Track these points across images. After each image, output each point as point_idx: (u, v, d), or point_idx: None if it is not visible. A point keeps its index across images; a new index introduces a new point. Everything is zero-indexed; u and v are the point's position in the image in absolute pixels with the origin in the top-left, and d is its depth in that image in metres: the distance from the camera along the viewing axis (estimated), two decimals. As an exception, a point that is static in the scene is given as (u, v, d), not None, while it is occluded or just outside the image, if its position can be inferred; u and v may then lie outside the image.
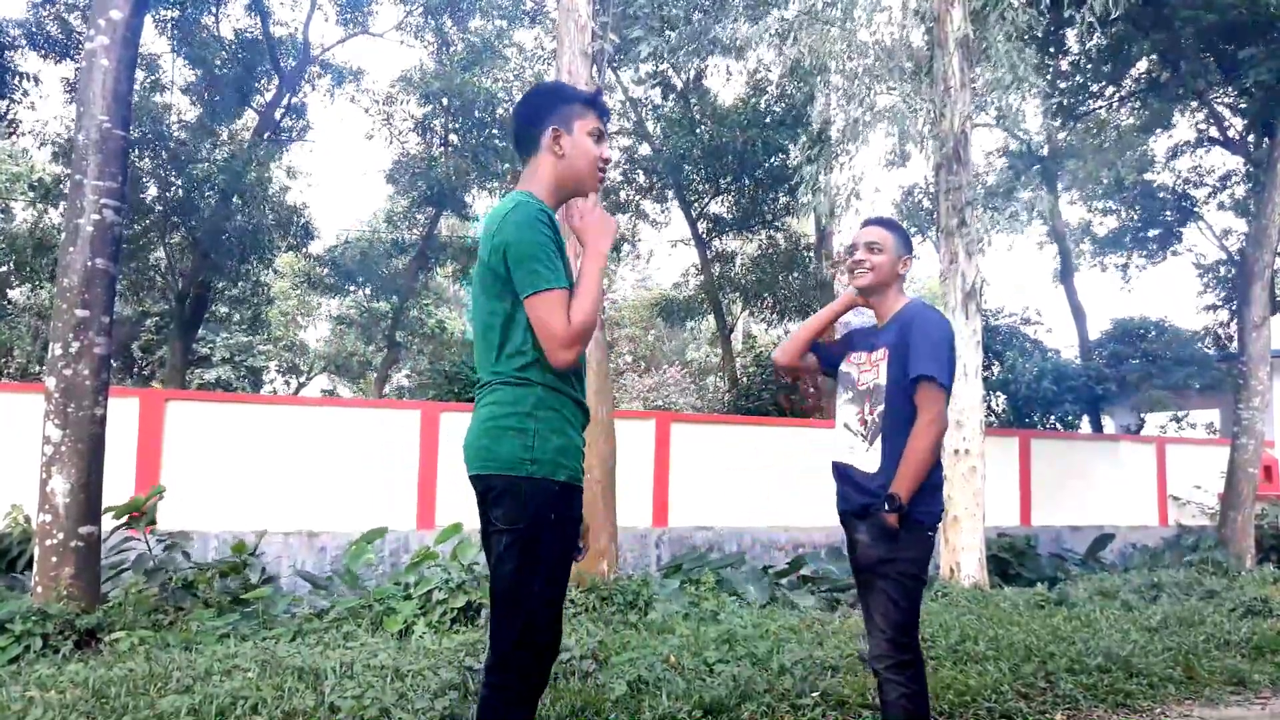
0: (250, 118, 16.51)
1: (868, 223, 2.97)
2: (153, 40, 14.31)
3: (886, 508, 2.59)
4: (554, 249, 2.07)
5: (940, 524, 2.80)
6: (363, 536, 6.96)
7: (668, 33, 10.74)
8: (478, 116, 15.83)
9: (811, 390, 15.78)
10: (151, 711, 3.38)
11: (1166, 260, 16.12)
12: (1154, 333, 15.62)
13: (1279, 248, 10.99)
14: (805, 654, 4.50)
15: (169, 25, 13.88)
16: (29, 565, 6.11)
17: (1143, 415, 16.62)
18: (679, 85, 15.68)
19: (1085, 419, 15.15)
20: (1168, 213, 15.04)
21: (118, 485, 6.55)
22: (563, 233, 2.19)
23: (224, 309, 19.18)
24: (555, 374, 2.09)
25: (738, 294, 18.60)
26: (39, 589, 5.18)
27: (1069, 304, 16.80)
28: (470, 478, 2.17)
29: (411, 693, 3.64)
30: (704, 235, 17.76)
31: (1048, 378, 13.36)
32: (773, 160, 14.21)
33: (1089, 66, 12.01)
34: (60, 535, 5.19)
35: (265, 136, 15.52)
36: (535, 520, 2.05)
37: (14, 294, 18.13)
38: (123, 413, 7.52)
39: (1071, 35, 11.49)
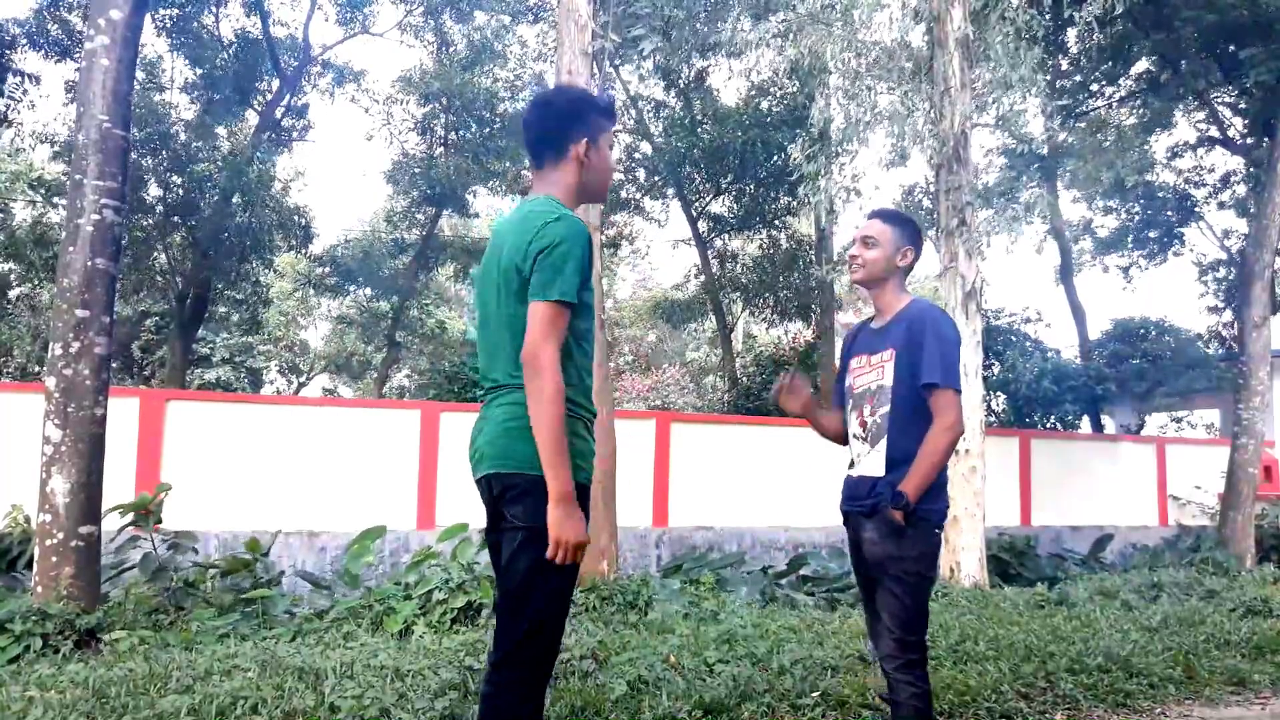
0: (251, 117, 16.51)
1: (871, 215, 2.93)
2: (153, 40, 14.33)
3: (893, 505, 2.59)
4: (586, 266, 2.11)
5: (945, 522, 2.78)
6: (363, 535, 6.95)
7: (670, 33, 10.74)
8: (478, 116, 15.83)
9: (812, 390, 15.78)
10: (151, 711, 3.38)
11: (1167, 260, 16.10)
12: (1154, 333, 15.62)
13: (1279, 247, 10.99)
14: (805, 654, 4.50)
15: (169, 25, 13.87)
16: (29, 565, 6.11)
17: (1143, 415, 16.61)
18: (680, 85, 15.68)
19: (1085, 419, 15.14)
20: (1168, 213, 15.03)
21: (118, 485, 6.54)
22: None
23: (224, 309, 19.18)
24: (568, 381, 2.10)
25: (738, 294, 18.61)
26: (39, 589, 5.18)
27: (1069, 304, 16.80)
28: (486, 478, 2.18)
29: (411, 693, 3.64)
30: (705, 235, 17.76)
31: (1048, 378, 13.35)
32: (774, 160, 14.21)
33: (1089, 66, 12.01)
34: (60, 535, 5.19)
35: (266, 136, 15.53)
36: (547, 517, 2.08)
37: (14, 294, 18.14)
38: (123, 413, 7.52)
39: (1071, 35, 11.49)
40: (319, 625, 5.34)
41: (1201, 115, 13.28)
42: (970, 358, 7.83)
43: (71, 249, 5.38)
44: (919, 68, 8.34)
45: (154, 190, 14.27)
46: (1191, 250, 16.52)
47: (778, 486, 10.20)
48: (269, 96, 15.93)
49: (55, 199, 14.62)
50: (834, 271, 13.54)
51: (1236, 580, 8.07)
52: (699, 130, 14.90)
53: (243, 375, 19.97)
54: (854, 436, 2.85)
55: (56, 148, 14.07)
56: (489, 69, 16.44)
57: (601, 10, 7.74)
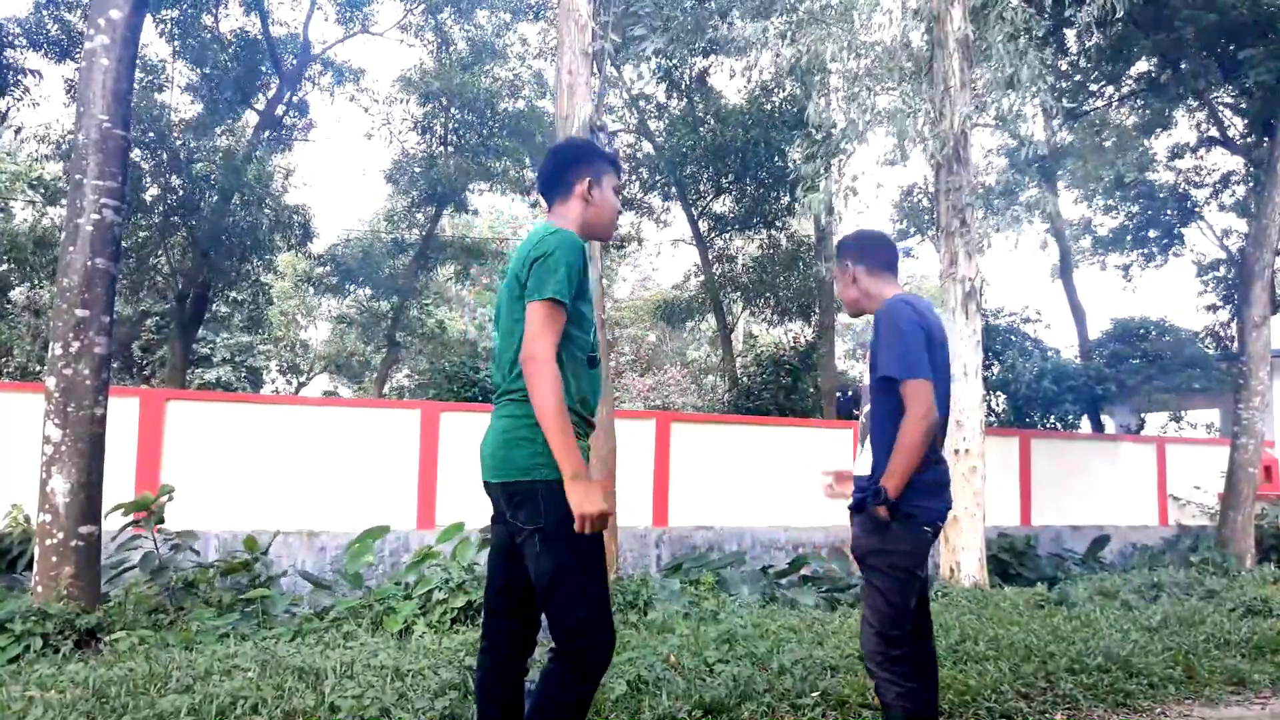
0: (251, 117, 16.51)
1: None
2: (153, 40, 14.32)
3: (874, 500, 2.64)
4: (577, 272, 2.27)
5: (942, 525, 2.79)
6: (364, 535, 6.95)
7: (670, 32, 10.73)
8: (478, 116, 15.82)
9: (811, 390, 15.78)
10: (151, 711, 3.38)
11: (1167, 260, 16.10)
12: (1154, 332, 15.62)
13: (1279, 247, 10.98)
14: (805, 654, 4.50)
15: (169, 25, 13.86)
16: (29, 565, 6.12)
17: (1143, 415, 16.61)
18: (682, 85, 15.68)
19: (1085, 419, 15.15)
20: (1168, 213, 15.03)
21: (118, 485, 6.55)
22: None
23: (224, 309, 19.18)
24: (565, 391, 2.21)
25: (739, 294, 18.61)
26: (39, 589, 5.18)
27: (1069, 303, 16.80)
28: (491, 486, 2.34)
29: (411, 693, 3.64)
30: (705, 235, 17.76)
31: (1048, 377, 13.35)
32: (775, 160, 14.21)
33: (1089, 66, 12.00)
34: (60, 535, 5.19)
35: (266, 135, 15.52)
36: (555, 516, 2.18)
37: (14, 294, 18.13)
38: (123, 412, 7.52)
39: (1071, 35, 11.48)
40: (319, 625, 5.34)
41: (1201, 115, 13.28)
42: (970, 358, 7.83)
43: (71, 249, 5.38)
44: (919, 68, 8.34)
45: (154, 190, 14.25)
46: (1191, 250, 16.53)
47: (778, 486, 10.20)
48: (269, 95, 15.92)
49: (57, 200, 14.59)
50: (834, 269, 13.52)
51: (1236, 580, 8.06)
52: (700, 130, 14.90)
53: (243, 375, 19.96)
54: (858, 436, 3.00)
55: (50, 147, 14.04)
56: (489, 68, 16.44)
57: (602, 10, 7.73)
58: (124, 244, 7.66)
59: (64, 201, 10.18)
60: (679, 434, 10.07)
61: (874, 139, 8.65)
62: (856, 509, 2.80)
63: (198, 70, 14.60)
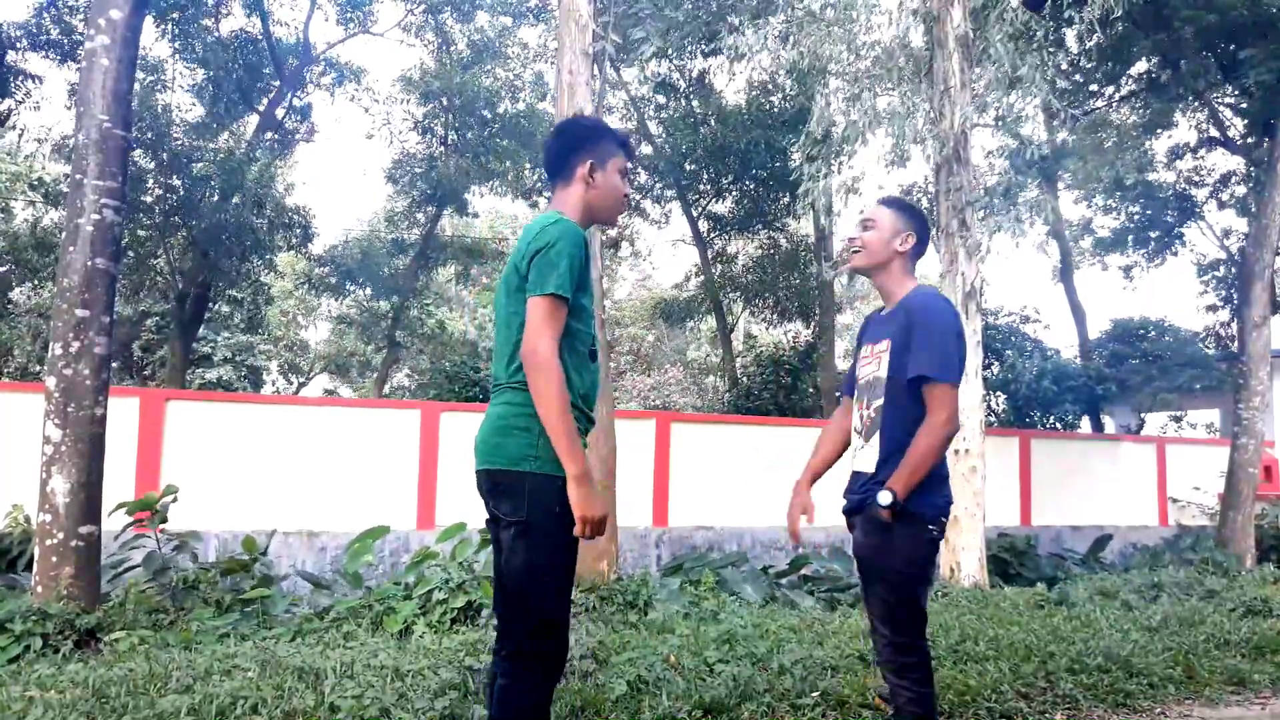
0: (252, 118, 16.51)
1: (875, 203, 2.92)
2: (154, 41, 14.32)
3: (881, 503, 2.49)
4: (579, 265, 2.21)
5: (946, 520, 2.61)
6: (364, 535, 6.95)
7: (671, 33, 10.72)
8: (478, 116, 15.82)
9: (811, 390, 15.77)
10: (151, 711, 3.38)
11: (1167, 260, 16.10)
12: (1154, 333, 15.63)
13: (1279, 247, 10.98)
14: (805, 654, 4.50)
15: (169, 25, 13.87)
16: (29, 565, 6.12)
17: (1143, 415, 16.61)
18: (682, 86, 15.68)
19: (1085, 419, 15.15)
20: (1168, 213, 15.03)
21: (118, 485, 6.55)
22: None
23: (224, 309, 19.18)
24: (567, 385, 2.17)
25: (738, 294, 18.61)
26: (39, 589, 5.18)
27: (1069, 303, 16.80)
28: (478, 473, 2.28)
29: (411, 693, 3.64)
30: (705, 235, 17.76)
31: (1048, 378, 13.36)
32: (775, 161, 14.21)
33: (1089, 66, 11.99)
34: (60, 535, 5.19)
35: (267, 136, 15.52)
36: (539, 511, 2.14)
37: (15, 294, 18.13)
38: (123, 413, 7.52)
39: (1071, 35, 11.47)
40: (319, 625, 5.34)
41: (1201, 115, 13.28)
42: (970, 358, 7.82)
43: (71, 249, 5.38)
44: (919, 68, 8.34)
45: (154, 190, 14.25)
46: (1191, 250, 16.53)
47: (778, 486, 10.15)
48: (270, 97, 15.93)
49: (58, 201, 14.58)
50: (834, 271, 13.54)
51: (1236, 580, 8.06)
52: (701, 130, 14.90)
53: (243, 375, 19.97)
54: (854, 430, 2.80)
55: (49, 147, 14.05)
56: (489, 69, 16.45)
57: (603, 10, 7.74)
58: (124, 244, 7.66)
59: (64, 202, 10.19)
60: (679, 434, 10.07)
61: (874, 139, 8.65)
62: (855, 510, 2.65)
63: (199, 71, 14.61)
